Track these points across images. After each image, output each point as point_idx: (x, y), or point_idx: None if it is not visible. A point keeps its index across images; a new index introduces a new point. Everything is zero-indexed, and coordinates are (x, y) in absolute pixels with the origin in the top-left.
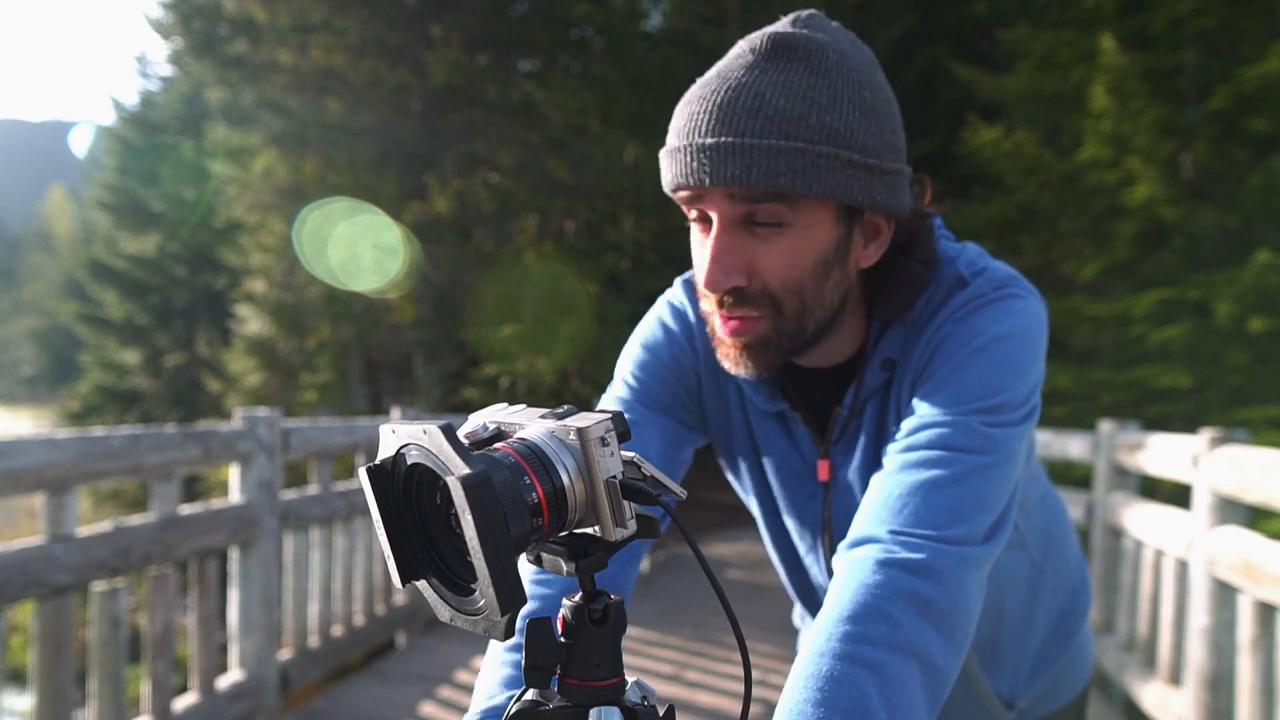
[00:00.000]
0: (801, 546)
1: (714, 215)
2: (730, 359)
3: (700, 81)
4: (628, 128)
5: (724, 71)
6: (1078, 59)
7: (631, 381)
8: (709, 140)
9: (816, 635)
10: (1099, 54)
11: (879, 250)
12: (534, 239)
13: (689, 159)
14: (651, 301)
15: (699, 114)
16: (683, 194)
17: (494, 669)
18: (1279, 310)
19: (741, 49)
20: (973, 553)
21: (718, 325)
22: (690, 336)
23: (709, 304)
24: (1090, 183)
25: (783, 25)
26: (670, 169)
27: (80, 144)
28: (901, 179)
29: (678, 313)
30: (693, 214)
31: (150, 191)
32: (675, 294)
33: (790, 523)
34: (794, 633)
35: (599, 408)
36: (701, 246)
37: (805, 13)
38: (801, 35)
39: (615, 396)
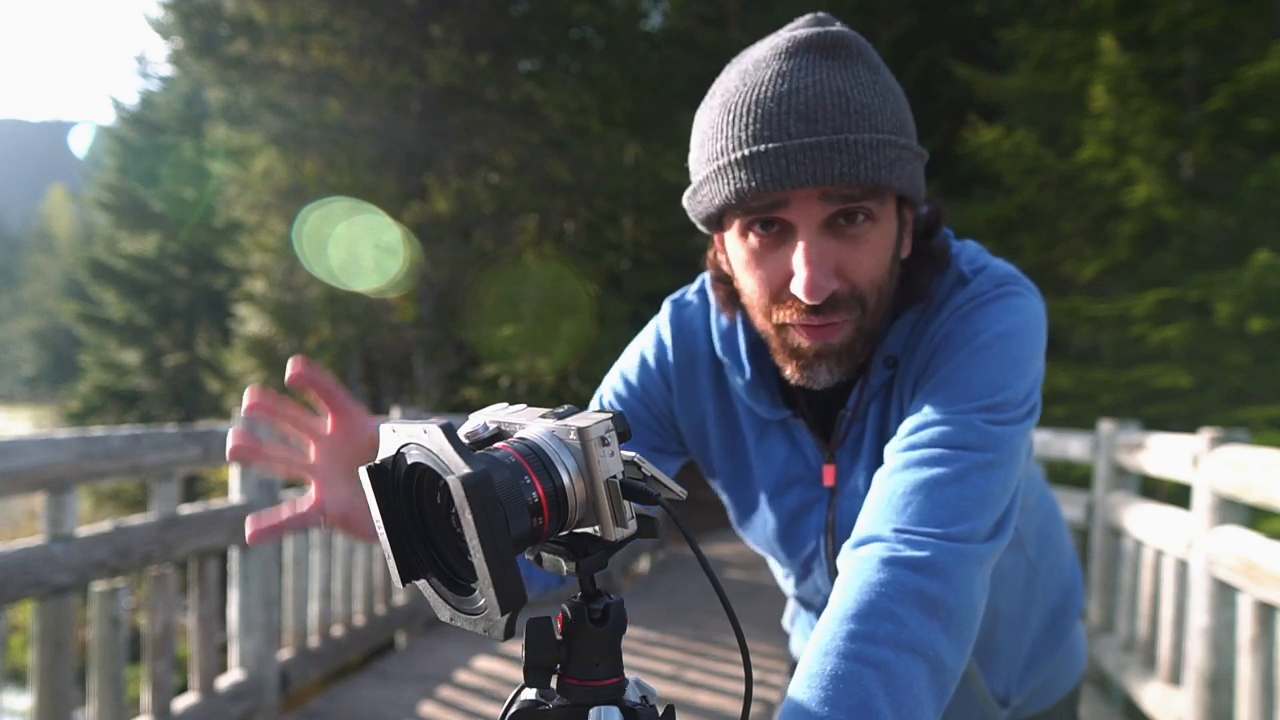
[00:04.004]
0: (802, 554)
1: (798, 221)
2: (810, 371)
3: (752, 84)
4: (628, 128)
5: (785, 72)
6: (1078, 59)
7: (606, 404)
8: (807, 140)
9: (822, 634)
10: (1099, 54)
11: (909, 239)
12: (534, 239)
13: (782, 161)
14: (651, 301)
15: (780, 114)
16: (758, 203)
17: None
18: (1279, 310)
19: (789, 48)
20: (977, 550)
21: (797, 338)
22: (663, 366)
23: (789, 315)
24: (1090, 183)
25: (815, 25)
26: (749, 178)
27: (80, 144)
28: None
29: (657, 340)
30: (756, 227)
31: (150, 191)
32: (662, 318)
33: (790, 531)
34: (788, 635)
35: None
36: (764, 261)
37: (822, 14)
38: (848, 33)
39: None
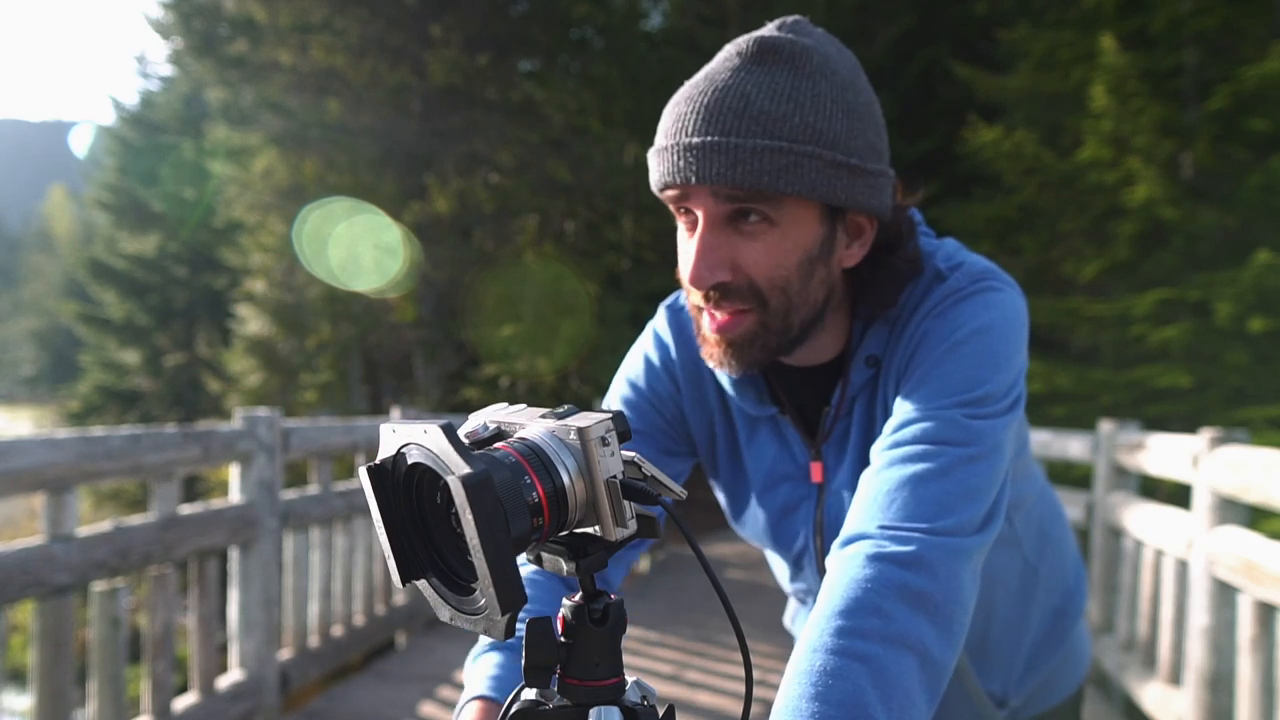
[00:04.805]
0: (793, 550)
1: (700, 213)
2: (714, 357)
3: (688, 84)
4: (628, 128)
5: (711, 74)
6: (1078, 59)
7: None
8: (695, 140)
9: (811, 631)
10: (1099, 54)
11: (862, 249)
12: (534, 239)
13: (676, 158)
14: (651, 301)
15: (686, 114)
16: (670, 193)
17: (483, 668)
18: (1279, 310)
19: (729, 53)
20: (964, 544)
21: (705, 323)
22: (669, 366)
23: (697, 298)
24: (1090, 183)
25: (768, 30)
26: (658, 168)
27: (80, 144)
28: (884, 180)
29: (659, 343)
30: (680, 213)
31: (150, 191)
32: (659, 322)
33: (780, 527)
34: (790, 634)
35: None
36: (685, 243)
37: (791, 18)
38: (786, 39)
39: None
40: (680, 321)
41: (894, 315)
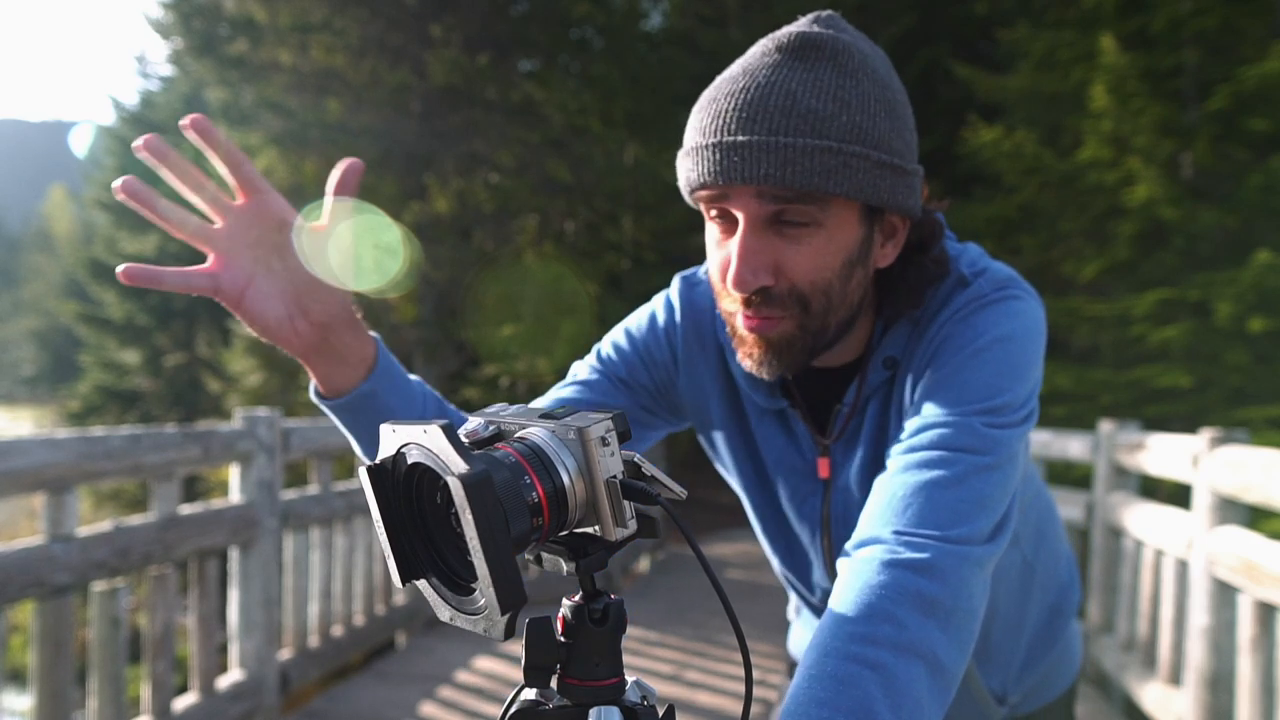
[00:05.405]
0: (801, 544)
1: (740, 214)
2: (753, 359)
3: (723, 79)
4: (628, 128)
5: (750, 69)
6: (1078, 59)
7: (604, 354)
8: (740, 138)
9: (822, 635)
10: (1099, 54)
11: (895, 250)
12: (534, 239)
13: (718, 156)
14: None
15: (727, 111)
16: (705, 193)
17: None
18: (1279, 310)
19: (766, 47)
20: (976, 552)
21: (740, 324)
22: (671, 334)
23: (731, 303)
24: (1090, 183)
25: (805, 25)
26: (694, 167)
27: (80, 144)
28: (917, 179)
29: (667, 308)
30: (713, 214)
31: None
32: (673, 290)
33: (789, 518)
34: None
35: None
36: (721, 246)
37: (825, 13)
38: (828, 35)
39: (588, 364)
40: (693, 297)
41: (915, 317)
